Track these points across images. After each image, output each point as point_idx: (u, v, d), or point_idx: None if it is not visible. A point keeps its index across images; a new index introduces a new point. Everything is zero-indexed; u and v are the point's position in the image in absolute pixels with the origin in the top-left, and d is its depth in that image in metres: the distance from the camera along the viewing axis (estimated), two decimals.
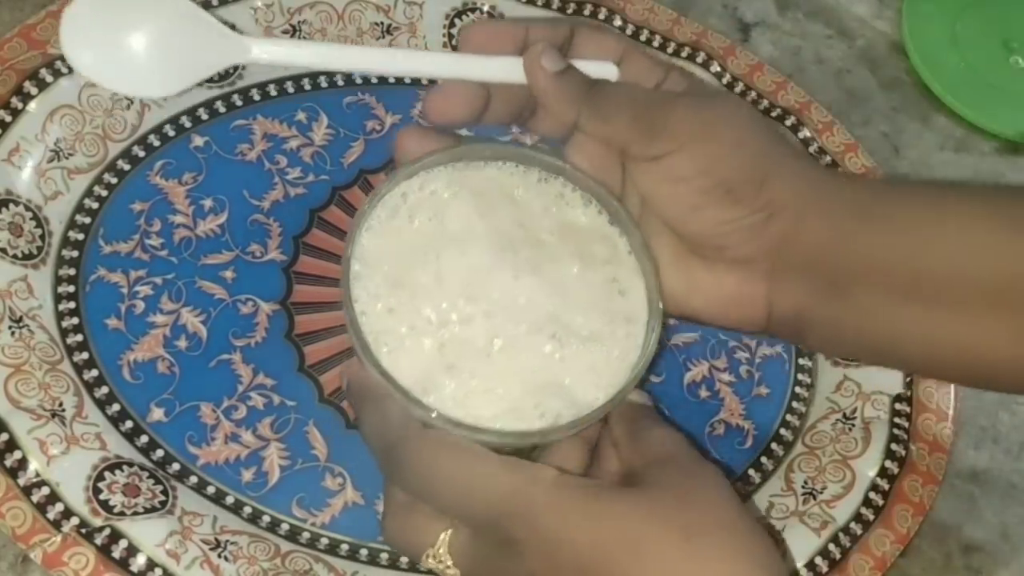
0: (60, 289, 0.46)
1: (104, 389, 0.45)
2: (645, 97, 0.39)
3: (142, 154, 0.50)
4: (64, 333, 0.46)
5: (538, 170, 0.41)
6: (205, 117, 0.51)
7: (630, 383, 0.38)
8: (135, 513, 0.41)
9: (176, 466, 0.44)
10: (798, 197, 0.38)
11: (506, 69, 0.39)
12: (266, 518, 0.44)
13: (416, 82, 0.54)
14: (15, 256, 0.46)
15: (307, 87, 0.53)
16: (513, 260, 0.38)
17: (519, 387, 0.37)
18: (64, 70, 0.48)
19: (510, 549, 0.34)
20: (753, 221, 0.38)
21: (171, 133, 0.51)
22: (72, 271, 0.47)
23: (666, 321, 0.40)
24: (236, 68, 0.52)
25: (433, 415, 0.35)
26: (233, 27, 0.51)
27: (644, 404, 0.40)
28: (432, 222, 0.39)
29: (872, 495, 0.46)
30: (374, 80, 0.54)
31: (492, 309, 0.37)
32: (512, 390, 0.37)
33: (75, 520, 0.40)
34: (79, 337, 0.46)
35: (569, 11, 0.56)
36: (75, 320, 0.46)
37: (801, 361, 0.51)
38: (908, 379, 0.49)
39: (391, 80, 0.54)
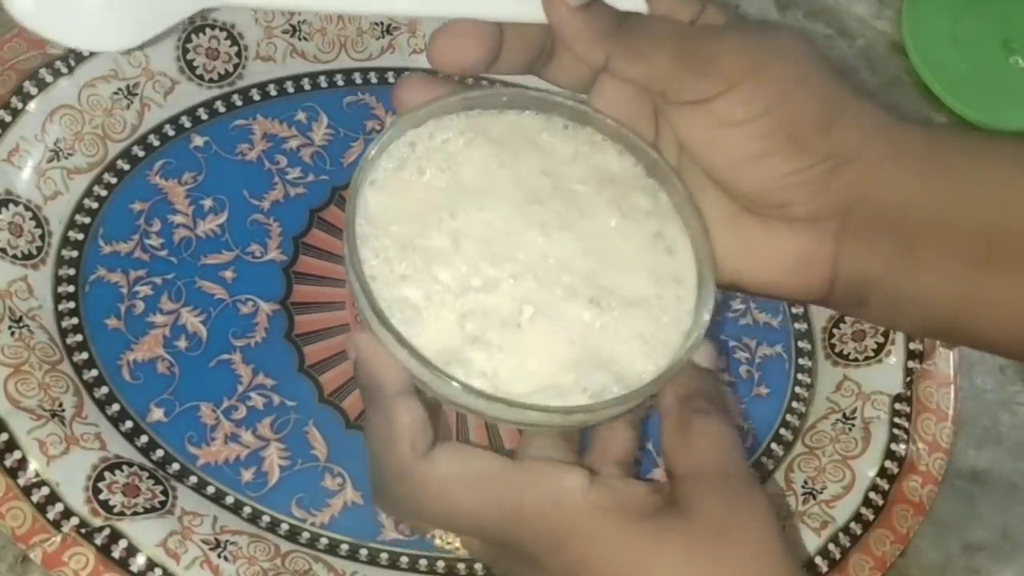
0: (60, 289, 0.46)
1: (104, 389, 0.45)
2: (686, 31, 0.34)
3: (142, 154, 0.50)
4: (64, 333, 0.46)
5: (562, 118, 0.36)
6: (205, 117, 0.51)
7: (686, 353, 0.33)
8: (135, 513, 0.41)
9: (176, 466, 0.44)
10: (868, 144, 0.33)
11: (520, 5, 0.34)
12: (266, 518, 0.44)
13: None
14: (15, 256, 0.46)
15: (307, 87, 0.53)
16: (541, 213, 0.34)
17: (556, 361, 0.33)
18: (64, 70, 0.48)
19: (530, 564, 0.33)
20: (819, 172, 0.33)
21: (171, 133, 0.51)
22: (72, 271, 0.47)
23: (718, 290, 0.35)
24: (236, 68, 0.52)
25: (461, 390, 0.31)
26: (233, 27, 0.52)
27: (705, 371, 0.35)
28: (445, 174, 0.35)
29: (872, 495, 0.46)
30: (374, 80, 0.54)
31: (519, 271, 0.33)
32: (548, 364, 0.33)
33: (75, 520, 0.40)
34: (79, 337, 0.46)
35: None
36: (75, 320, 0.46)
37: (801, 361, 0.51)
38: (908, 379, 0.49)
39: (391, 80, 0.54)
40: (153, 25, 0.33)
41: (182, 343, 0.46)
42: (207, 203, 0.50)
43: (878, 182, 0.33)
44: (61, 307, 0.46)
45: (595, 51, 0.34)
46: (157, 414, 0.45)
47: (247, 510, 0.44)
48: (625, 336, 0.33)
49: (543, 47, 0.36)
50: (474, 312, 0.33)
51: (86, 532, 0.40)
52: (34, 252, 0.46)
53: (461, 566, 0.44)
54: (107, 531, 0.40)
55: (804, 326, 0.52)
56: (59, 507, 0.41)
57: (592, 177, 0.36)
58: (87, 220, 0.48)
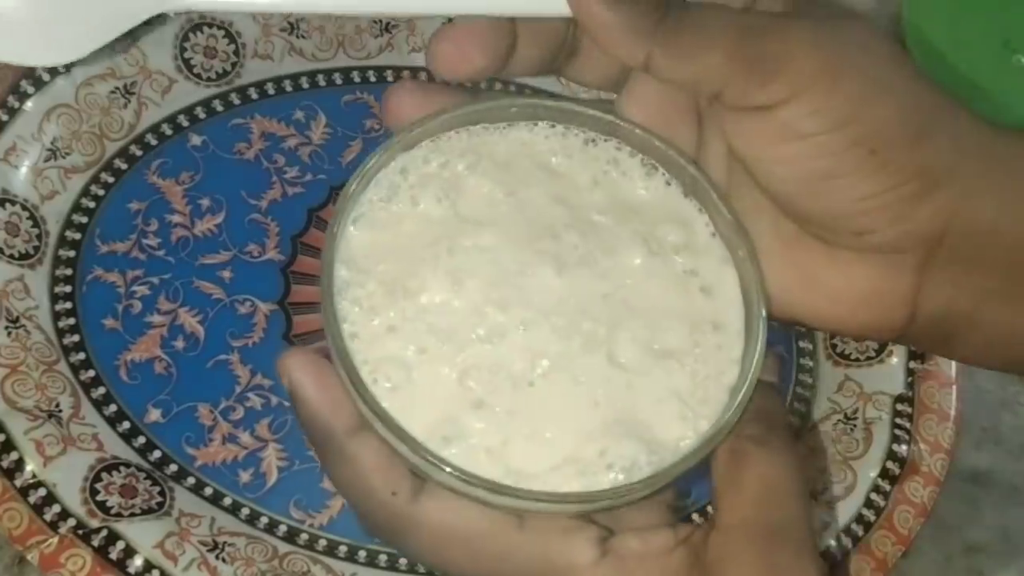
0: (57, 289, 0.46)
1: (101, 390, 0.45)
2: (743, 23, 0.28)
3: (139, 153, 0.50)
4: (61, 333, 0.45)
5: (582, 130, 0.32)
6: (202, 116, 0.51)
7: (733, 414, 0.28)
8: (132, 514, 0.41)
9: (173, 467, 0.44)
10: (964, 161, 0.28)
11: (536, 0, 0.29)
12: (264, 519, 0.43)
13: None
14: (11, 256, 0.46)
15: (305, 86, 0.53)
16: (555, 249, 0.29)
17: (576, 427, 0.28)
18: (61, 69, 0.48)
19: None
20: (904, 194, 0.28)
21: (168, 132, 0.50)
22: (69, 271, 0.47)
23: (771, 325, 0.30)
24: (234, 66, 0.52)
25: (455, 479, 0.27)
26: (231, 25, 0.51)
27: (766, 387, 0.29)
28: (443, 204, 0.30)
29: (873, 496, 0.46)
30: (372, 78, 0.54)
31: (531, 318, 0.29)
32: (567, 432, 0.28)
33: (72, 521, 0.40)
34: (76, 337, 0.45)
35: None
36: (72, 320, 0.46)
37: (802, 361, 0.51)
38: (910, 379, 0.49)
39: (390, 79, 0.54)
40: (99, 34, 0.28)
41: (179, 343, 0.46)
42: (205, 202, 0.49)
43: (975, 207, 0.28)
44: (58, 307, 0.46)
45: (634, 49, 0.28)
46: (154, 415, 0.45)
47: (245, 511, 0.43)
48: (657, 395, 0.29)
49: (564, 42, 0.31)
50: (478, 368, 0.28)
51: (83, 533, 0.40)
52: (31, 252, 0.46)
53: None
54: (104, 532, 0.40)
55: None
56: (56, 508, 0.40)
57: (613, 206, 0.31)
58: (84, 220, 0.48)
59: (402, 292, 0.29)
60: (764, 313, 0.29)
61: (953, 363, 0.50)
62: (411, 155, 0.30)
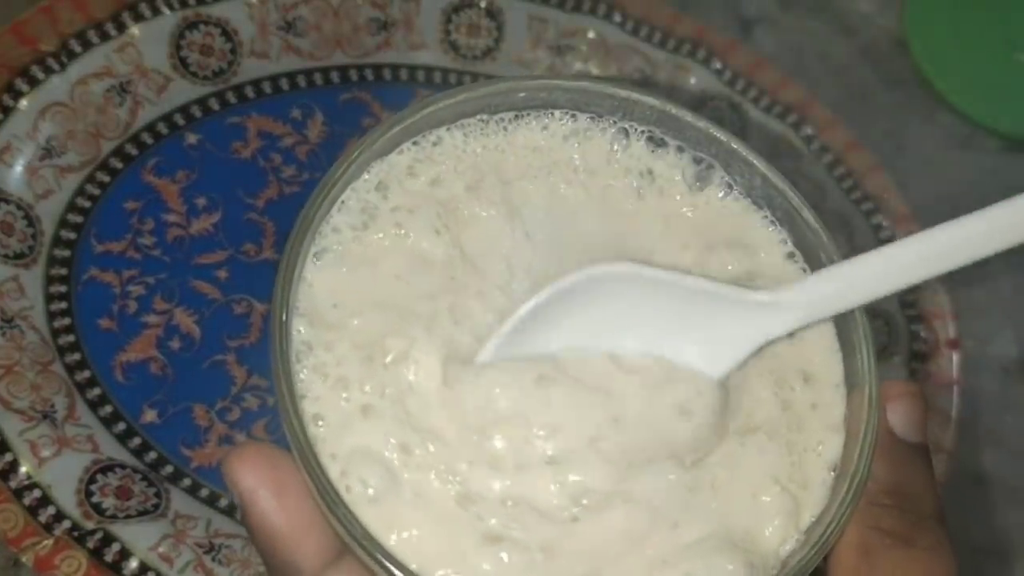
0: (52, 289, 0.46)
1: (96, 390, 0.44)
2: None
3: (135, 152, 0.49)
4: (55, 333, 0.45)
5: (611, 121, 0.24)
6: (198, 115, 0.51)
7: (850, 501, 0.21)
8: (127, 516, 0.41)
9: (169, 468, 0.43)
10: None
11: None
12: None
13: (413, 79, 0.54)
14: (6, 255, 0.45)
15: (302, 84, 0.53)
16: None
17: (644, 563, 0.19)
18: (56, 67, 0.48)
19: None
20: None
21: (164, 131, 0.50)
22: (64, 271, 0.46)
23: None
24: (231, 64, 0.51)
25: None
26: (227, 22, 0.51)
27: (907, 450, 0.22)
28: (442, 237, 0.22)
29: None
30: (370, 76, 0.53)
31: (571, 398, 0.21)
32: (629, 571, 0.19)
33: (67, 523, 0.40)
34: (71, 338, 0.45)
35: (569, 5, 0.55)
36: (67, 320, 0.45)
37: None
38: (911, 380, 0.49)
39: (387, 77, 0.54)
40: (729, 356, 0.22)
41: (175, 344, 0.46)
42: (201, 202, 0.49)
43: None
44: (53, 307, 0.45)
45: None
46: (150, 415, 0.44)
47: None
48: (748, 485, 0.21)
49: None
50: (490, 497, 0.19)
51: (78, 535, 0.40)
52: (25, 251, 0.46)
53: None
54: (99, 534, 0.40)
55: None
56: (51, 510, 0.40)
57: (677, 226, 0.23)
58: (79, 219, 0.47)
59: (383, 357, 0.20)
60: (871, 358, 0.21)
61: (955, 363, 0.49)
62: (389, 163, 0.23)
